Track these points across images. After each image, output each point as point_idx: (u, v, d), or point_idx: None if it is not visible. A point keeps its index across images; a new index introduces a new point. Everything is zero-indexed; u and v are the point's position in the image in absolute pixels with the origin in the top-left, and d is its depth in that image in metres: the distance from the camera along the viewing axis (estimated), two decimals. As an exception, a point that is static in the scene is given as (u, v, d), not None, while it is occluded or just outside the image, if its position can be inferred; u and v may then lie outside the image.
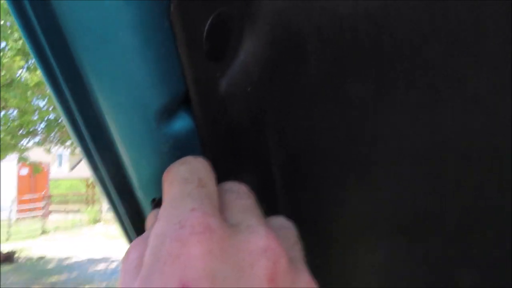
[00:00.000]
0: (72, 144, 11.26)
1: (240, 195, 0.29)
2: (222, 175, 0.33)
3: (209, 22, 0.27)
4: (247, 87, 0.31)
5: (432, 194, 0.29)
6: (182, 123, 0.30)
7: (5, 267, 10.00)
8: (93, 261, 10.51)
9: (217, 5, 0.27)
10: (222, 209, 0.27)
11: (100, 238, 14.26)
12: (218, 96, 0.30)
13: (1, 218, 16.89)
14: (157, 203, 0.32)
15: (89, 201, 24.30)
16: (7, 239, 14.34)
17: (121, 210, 0.34)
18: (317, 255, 0.38)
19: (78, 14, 0.24)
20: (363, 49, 0.27)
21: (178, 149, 0.30)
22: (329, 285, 0.39)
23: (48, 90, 0.27)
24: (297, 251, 0.28)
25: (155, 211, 0.31)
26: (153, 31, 0.25)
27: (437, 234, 0.31)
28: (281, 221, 0.30)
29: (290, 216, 0.37)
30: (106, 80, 0.26)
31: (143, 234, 0.28)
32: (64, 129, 10.46)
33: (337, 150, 0.32)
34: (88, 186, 26.21)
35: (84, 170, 26.80)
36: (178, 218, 0.23)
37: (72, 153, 12.16)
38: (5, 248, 11.25)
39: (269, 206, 0.37)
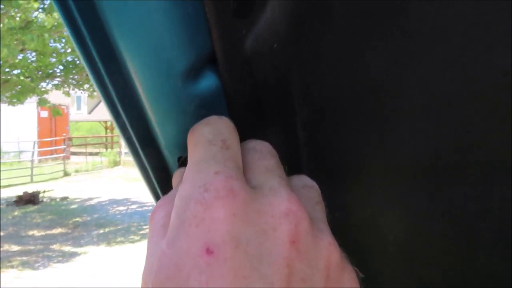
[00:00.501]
0: (90, 86, 11.33)
1: (263, 155, 0.29)
2: (247, 132, 0.33)
3: None
4: (273, 44, 0.30)
5: (455, 147, 0.29)
6: (208, 82, 0.29)
7: (30, 208, 10.35)
8: (114, 202, 10.82)
9: None
10: (245, 170, 0.27)
11: (120, 180, 14.60)
12: (244, 53, 0.29)
13: (24, 160, 17.36)
14: (183, 161, 0.32)
15: (108, 144, 24.73)
16: (30, 181, 14.79)
17: (149, 167, 0.35)
18: (337, 207, 0.38)
19: None
20: (389, 5, 0.26)
21: (204, 108, 0.30)
22: (346, 237, 0.39)
23: (76, 50, 0.27)
24: (319, 211, 0.28)
25: (181, 169, 0.31)
26: None
27: (459, 188, 0.31)
28: (304, 180, 0.30)
29: (313, 172, 0.37)
30: (132, 39, 0.26)
31: (169, 193, 0.28)
32: (82, 72, 10.49)
33: (360, 106, 0.32)
34: (107, 128, 26.60)
35: (103, 112, 27.13)
36: (202, 181, 0.23)
37: (90, 95, 12.17)
38: (29, 189, 11.60)
39: (292, 163, 0.37)
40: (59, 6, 0.25)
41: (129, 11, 0.24)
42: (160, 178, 0.36)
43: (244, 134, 0.32)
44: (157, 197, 0.38)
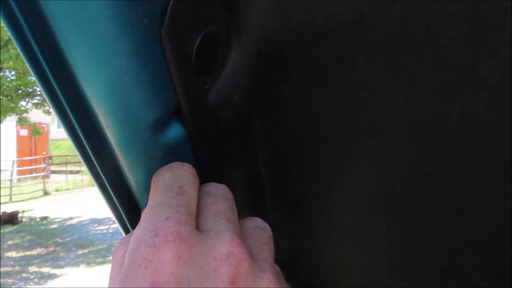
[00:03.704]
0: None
1: (217, 198, 0.31)
2: (213, 174, 0.36)
3: (197, 42, 0.29)
4: (235, 96, 0.34)
5: (407, 182, 0.32)
6: (174, 132, 0.32)
7: (8, 228, 10.12)
8: (95, 222, 10.66)
9: (203, 26, 0.29)
10: (198, 212, 0.30)
11: (101, 199, 14.39)
12: (207, 105, 0.33)
13: (2, 180, 17.02)
14: None
15: (89, 162, 24.36)
16: (9, 200, 14.51)
17: (121, 209, 0.37)
18: (302, 238, 0.41)
19: (79, 43, 0.26)
20: (338, 56, 0.29)
21: (171, 155, 0.33)
22: (312, 265, 0.42)
23: (52, 111, 0.30)
24: (266, 252, 0.31)
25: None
26: (146, 55, 0.27)
27: (413, 217, 0.33)
28: (256, 223, 0.33)
29: (276, 206, 0.40)
30: (104, 99, 0.29)
31: (130, 233, 0.31)
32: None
33: (317, 145, 0.35)
34: (88, 147, 26.22)
35: (84, 131, 26.76)
36: (154, 226, 0.26)
37: (71, 114, 12.01)
38: (8, 209, 11.37)
39: (257, 199, 0.40)
40: (33, 69, 0.28)
41: (100, 74, 0.27)
42: (132, 218, 0.38)
43: (210, 176, 0.34)
44: (127, 233, 0.41)
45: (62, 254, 8.06)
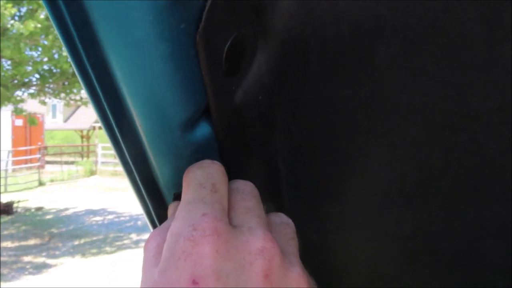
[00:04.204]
0: (67, 95, 11.19)
1: (245, 196, 0.33)
2: (236, 170, 0.37)
3: (227, 45, 0.31)
4: (259, 96, 0.35)
5: (418, 176, 0.34)
6: (202, 131, 0.34)
7: (4, 218, 10.12)
8: (90, 213, 10.67)
9: (233, 30, 0.31)
10: (229, 208, 0.32)
11: (96, 190, 14.42)
12: (234, 105, 0.34)
13: (-2, 169, 16.97)
14: (176, 196, 0.37)
15: (84, 153, 24.37)
16: (4, 190, 14.49)
17: (149, 202, 0.39)
18: (315, 231, 0.43)
19: (121, 47, 0.27)
20: (358, 59, 0.31)
21: (199, 153, 0.34)
22: (323, 257, 0.44)
23: (92, 108, 0.32)
24: (292, 246, 0.33)
25: (174, 203, 0.36)
26: (182, 58, 0.29)
27: (422, 211, 0.35)
28: (281, 218, 0.35)
29: (293, 200, 0.41)
30: (140, 99, 0.30)
31: (161, 226, 0.33)
32: (58, 80, 10.36)
33: (333, 143, 0.36)
34: (82, 137, 26.20)
35: (79, 121, 26.70)
36: (192, 221, 0.28)
37: (67, 104, 11.98)
38: (3, 200, 11.36)
39: (275, 193, 0.41)
40: (78, 71, 0.29)
41: (139, 77, 0.29)
42: (159, 211, 0.40)
43: (234, 171, 0.36)
44: (154, 227, 0.42)
45: (57, 244, 8.08)
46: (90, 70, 0.29)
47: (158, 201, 0.39)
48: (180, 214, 0.29)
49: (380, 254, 0.41)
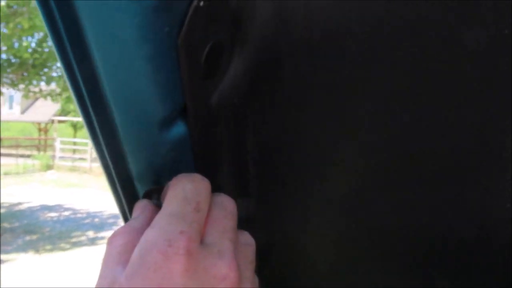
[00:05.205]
0: (26, 87, 10.89)
1: (227, 214, 0.35)
2: (209, 169, 0.39)
3: (206, 49, 0.32)
4: (234, 99, 0.37)
5: (376, 186, 0.36)
6: (178, 130, 0.35)
7: (-48, 210, 9.78)
8: (45, 208, 10.42)
9: (213, 36, 0.32)
10: (207, 222, 0.33)
11: (52, 185, 14.08)
12: (209, 106, 0.36)
13: None
14: (145, 195, 0.38)
15: (41, 146, 23.75)
16: (-46, 182, 13.98)
17: (122, 195, 0.40)
18: (278, 230, 0.45)
19: (106, 46, 0.29)
20: (327, 66, 0.33)
21: (174, 151, 0.36)
22: (283, 256, 0.46)
23: (76, 106, 0.33)
24: (250, 270, 0.35)
25: (142, 202, 0.37)
26: (163, 59, 0.30)
27: (384, 215, 0.37)
28: (245, 238, 0.37)
29: (260, 200, 0.43)
30: (121, 97, 0.32)
31: (130, 223, 0.34)
32: (17, 71, 10.07)
33: (301, 146, 0.38)
34: (40, 130, 25.52)
35: (37, 113, 25.97)
36: (168, 236, 0.29)
37: (25, 95, 11.64)
38: (-47, 191, 10.96)
39: (243, 192, 0.43)
40: (64, 65, 0.30)
41: (120, 75, 0.30)
42: (130, 205, 0.41)
43: (206, 170, 0.38)
44: (126, 219, 0.43)
45: (9, 239, 7.85)
46: (75, 67, 0.30)
47: (130, 196, 0.40)
48: (159, 223, 0.31)
49: (337, 255, 0.43)
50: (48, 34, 0.29)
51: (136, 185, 0.39)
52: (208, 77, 0.34)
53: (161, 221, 0.31)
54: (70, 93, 0.32)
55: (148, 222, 0.32)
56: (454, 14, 0.27)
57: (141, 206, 0.36)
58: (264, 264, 0.49)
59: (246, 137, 0.40)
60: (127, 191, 0.40)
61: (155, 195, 0.37)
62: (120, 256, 0.31)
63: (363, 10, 0.30)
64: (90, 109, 0.33)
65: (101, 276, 0.30)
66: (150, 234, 0.30)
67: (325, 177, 0.38)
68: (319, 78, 0.34)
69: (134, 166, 0.37)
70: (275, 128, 0.38)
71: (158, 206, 0.34)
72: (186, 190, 0.33)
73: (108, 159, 0.37)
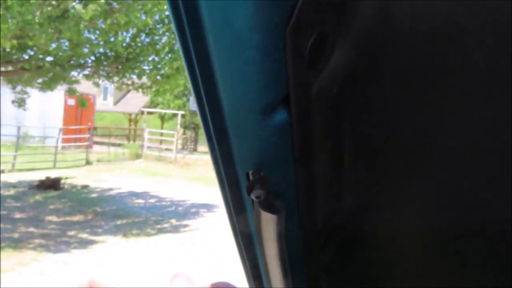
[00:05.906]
0: (120, 79, 11.47)
1: None
2: (306, 156, 0.40)
3: (311, 40, 0.33)
4: (334, 89, 0.38)
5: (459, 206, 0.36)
6: (280, 116, 0.37)
7: (51, 193, 10.52)
8: (133, 195, 10.96)
9: (318, 27, 0.34)
10: None
11: (140, 173, 14.77)
12: (311, 96, 0.37)
13: (48, 146, 17.60)
14: (249, 186, 0.40)
15: (131, 136, 24.97)
16: (53, 166, 15.06)
17: (225, 178, 0.43)
18: (365, 224, 0.45)
19: (221, 35, 0.31)
20: (429, 61, 0.33)
21: (274, 136, 0.38)
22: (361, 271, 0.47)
23: (192, 92, 0.36)
24: None
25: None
26: (271, 49, 0.32)
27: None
28: None
29: (352, 187, 0.44)
30: (230, 83, 0.34)
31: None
32: (113, 64, 10.63)
33: (400, 142, 0.39)
34: (130, 121, 26.83)
35: (128, 104, 27.33)
36: None
37: (118, 87, 12.25)
38: (51, 175, 11.79)
39: (336, 180, 0.44)
40: (184, 55, 0.33)
41: (233, 63, 0.33)
42: (231, 186, 0.44)
43: (303, 157, 0.39)
44: (226, 202, 0.46)
45: (100, 222, 8.34)
46: (193, 57, 0.33)
47: (231, 178, 0.43)
48: None
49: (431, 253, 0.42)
50: (175, 31, 0.32)
51: (237, 168, 0.41)
52: (312, 67, 0.35)
53: None
54: (189, 82, 0.35)
55: None
56: None
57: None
58: (349, 259, 0.50)
59: (342, 127, 0.40)
60: (228, 173, 0.43)
61: (258, 185, 0.40)
62: None
63: (472, 8, 0.29)
64: (203, 96, 0.35)
65: None
66: None
67: (421, 173, 0.38)
68: (419, 75, 0.34)
69: (237, 149, 0.39)
70: (372, 121, 0.39)
71: (260, 197, 0.36)
72: None
73: (214, 142, 0.39)
